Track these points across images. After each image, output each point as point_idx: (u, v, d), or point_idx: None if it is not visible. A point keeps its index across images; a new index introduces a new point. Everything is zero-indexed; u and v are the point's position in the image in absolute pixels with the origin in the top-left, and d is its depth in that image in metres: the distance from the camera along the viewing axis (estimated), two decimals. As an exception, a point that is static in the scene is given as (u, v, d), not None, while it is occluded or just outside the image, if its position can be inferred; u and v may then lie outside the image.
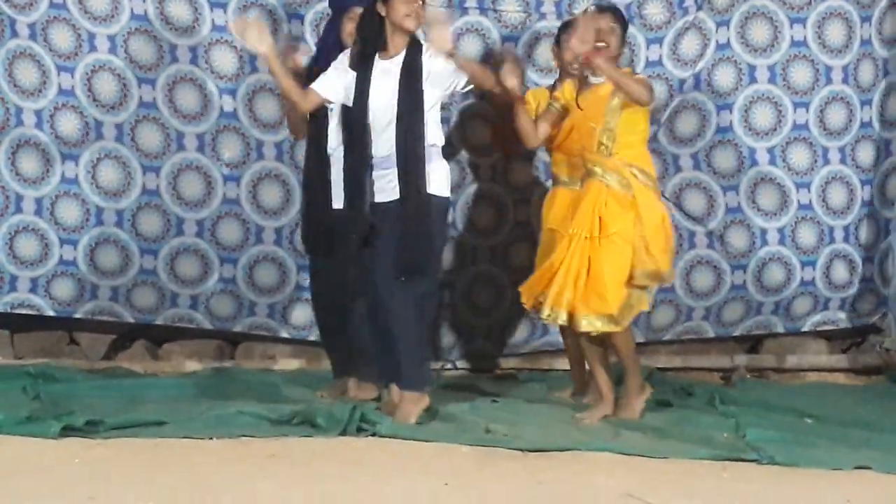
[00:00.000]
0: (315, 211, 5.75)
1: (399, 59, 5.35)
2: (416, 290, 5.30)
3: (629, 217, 5.47)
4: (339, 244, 5.58)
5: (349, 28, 5.67)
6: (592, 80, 5.54)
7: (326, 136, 5.61)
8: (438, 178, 5.35)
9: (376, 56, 5.36)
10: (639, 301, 5.54)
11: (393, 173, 5.32)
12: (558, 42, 5.95)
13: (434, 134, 5.37)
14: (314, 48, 6.05)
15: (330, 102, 5.48)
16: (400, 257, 5.27)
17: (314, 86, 5.47)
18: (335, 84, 5.44)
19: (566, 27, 5.90)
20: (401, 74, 5.32)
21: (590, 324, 5.44)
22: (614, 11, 5.59)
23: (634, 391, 5.63)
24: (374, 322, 5.40)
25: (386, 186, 5.35)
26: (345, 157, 5.46)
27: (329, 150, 5.61)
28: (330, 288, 5.75)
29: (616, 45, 5.49)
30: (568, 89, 5.64)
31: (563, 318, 5.48)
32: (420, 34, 5.45)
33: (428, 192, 5.31)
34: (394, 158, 5.31)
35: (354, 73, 5.38)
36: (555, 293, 5.46)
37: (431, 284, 5.44)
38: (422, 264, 5.30)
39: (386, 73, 5.35)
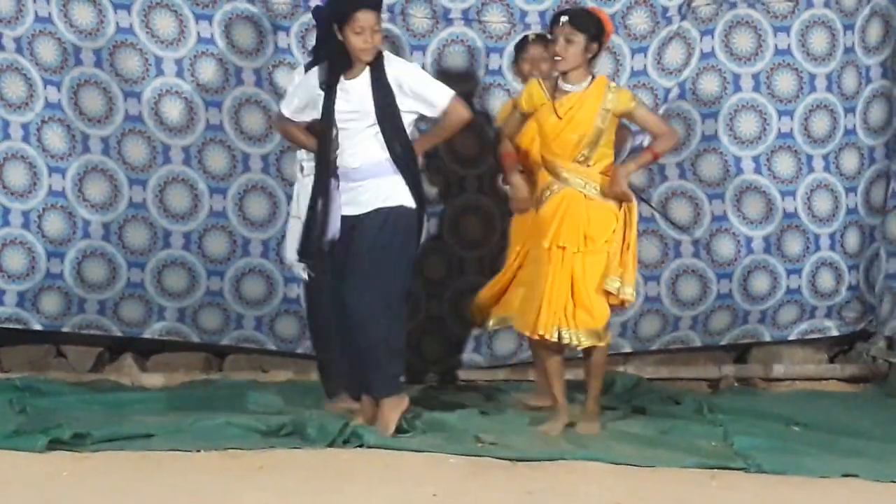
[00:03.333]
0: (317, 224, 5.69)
1: (365, 79, 5.35)
2: (383, 298, 5.28)
3: (611, 227, 5.41)
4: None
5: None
6: (567, 86, 5.41)
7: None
8: (402, 189, 5.35)
9: (341, 77, 5.36)
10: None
11: (362, 186, 5.33)
12: (516, 60, 5.99)
13: (397, 146, 5.36)
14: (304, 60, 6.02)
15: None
16: (367, 269, 5.28)
17: (287, 113, 5.52)
18: (306, 104, 5.44)
19: (521, 47, 5.94)
20: (373, 89, 5.32)
21: (575, 338, 5.37)
22: (573, 18, 5.38)
23: (597, 408, 5.57)
24: (342, 333, 5.37)
25: (357, 199, 5.35)
26: (315, 172, 5.44)
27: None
28: (324, 305, 5.70)
29: (574, 53, 5.34)
30: (536, 93, 5.46)
31: (554, 335, 5.35)
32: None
33: (393, 204, 5.32)
34: (362, 172, 5.33)
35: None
36: (550, 311, 5.34)
37: (398, 294, 5.39)
38: (385, 276, 5.28)
39: (351, 90, 5.34)
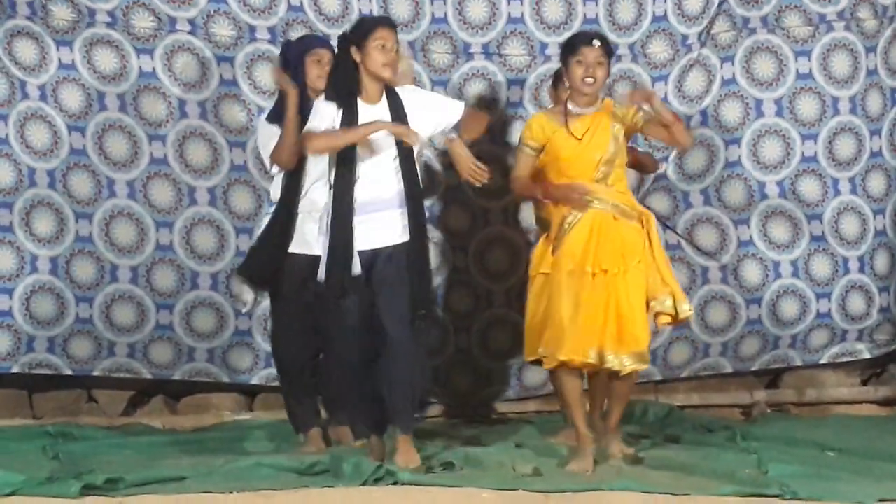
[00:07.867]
0: (277, 252, 5.64)
1: (384, 105, 5.30)
2: (425, 332, 5.28)
3: (642, 245, 5.37)
4: (296, 287, 5.56)
5: (315, 71, 5.61)
6: (579, 109, 5.41)
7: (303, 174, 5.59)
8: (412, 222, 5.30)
9: (359, 102, 5.31)
10: None
11: (396, 215, 5.28)
12: (555, 85, 5.96)
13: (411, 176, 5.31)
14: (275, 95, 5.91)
15: None
16: (417, 298, 5.24)
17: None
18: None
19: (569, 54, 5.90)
20: (392, 119, 5.27)
21: (621, 363, 5.29)
22: (603, 42, 5.43)
23: (618, 430, 5.51)
24: (367, 368, 5.33)
25: (386, 229, 5.28)
26: (334, 204, 5.30)
27: (303, 192, 5.60)
28: (296, 335, 5.66)
29: (603, 77, 5.41)
30: (546, 124, 5.46)
31: (595, 359, 5.27)
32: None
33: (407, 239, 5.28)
34: (396, 201, 5.28)
35: (336, 118, 5.31)
36: (588, 334, 5.26)
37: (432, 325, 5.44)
38: (432, 303, 5.30)
39: (374, 117, 5.27)
